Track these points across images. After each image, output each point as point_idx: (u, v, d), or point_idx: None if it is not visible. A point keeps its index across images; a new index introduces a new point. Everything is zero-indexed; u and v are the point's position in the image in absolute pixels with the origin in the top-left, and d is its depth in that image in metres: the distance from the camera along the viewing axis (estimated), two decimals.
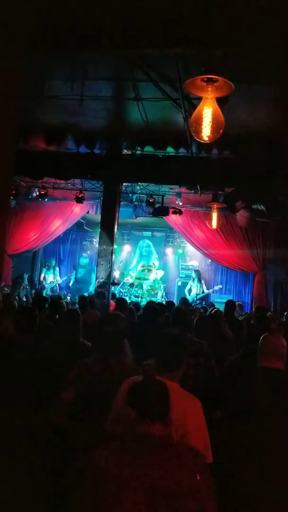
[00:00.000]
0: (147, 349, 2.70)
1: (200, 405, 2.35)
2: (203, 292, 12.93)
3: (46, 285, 13.50)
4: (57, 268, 14.28)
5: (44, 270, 14.20)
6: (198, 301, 12.34)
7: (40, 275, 14.34)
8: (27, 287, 13.13)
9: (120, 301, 7.51)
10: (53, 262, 14.27)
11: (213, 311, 6.62)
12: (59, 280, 14.02)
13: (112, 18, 3.18)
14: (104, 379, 2.73)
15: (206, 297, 13.08)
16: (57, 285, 13.88)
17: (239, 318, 7.42)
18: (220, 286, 13.63)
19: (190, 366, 3.34)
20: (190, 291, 13.04)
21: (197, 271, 13.35)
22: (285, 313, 9.10)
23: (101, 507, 1.65)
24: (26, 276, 13.37)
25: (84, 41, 3.31)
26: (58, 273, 14.21)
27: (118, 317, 3.14)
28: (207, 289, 13.19)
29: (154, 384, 1.89)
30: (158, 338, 2.63)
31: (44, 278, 13.95)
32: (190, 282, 13.26)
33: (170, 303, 8.59)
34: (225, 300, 8.86)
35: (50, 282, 13.67)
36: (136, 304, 8.46)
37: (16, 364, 2.88)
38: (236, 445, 2.39)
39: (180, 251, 15.01)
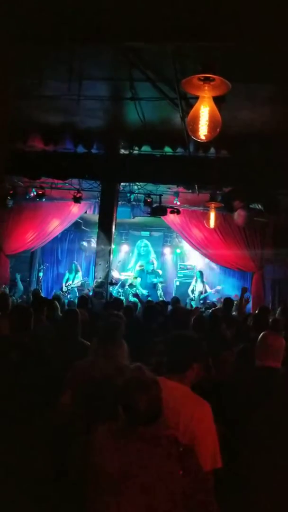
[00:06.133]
0: (146, 349, 2.69)
1: (210, 409, 2.27)
2: (205, 291, 12.96)
3: (69, 288, 13.48)
4: (79, 272, 14.25)
5: (67, 274, 14.27)
6: (201, 301, 12.35)
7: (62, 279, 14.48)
8: (19, 287, 13.13)
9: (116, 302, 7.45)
10: (73, 266, 14.26)
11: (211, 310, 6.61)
12: (78, 283, 13.93)
13: (108, 12, 3.18)
14: (99, 380, 2.73)
15: (207, 297, 13.10)
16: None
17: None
18: (219, 287, 13.64)
19: None
20: (193, 291, 13.05)
21: (201, 272, 13.40)
22: (279, 308, 9.04)
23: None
24: (18, 276, 13.34)
25: (80, 35, 3.30)
26: (80, 276, 14.18)
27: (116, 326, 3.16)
28: (210, 289, 13.24)
29: (140, 385, 1.88)
30: (168, 339, 2.58)
31: (67, 281, 14.02)
32: (193, 282, 13.26)
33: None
34: None
35: (68, 285, 13.69)
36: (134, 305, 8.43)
37: (11, 363, 2.86)
38: (234, 445, 2.38)
39: (178, 251, 15.00)
